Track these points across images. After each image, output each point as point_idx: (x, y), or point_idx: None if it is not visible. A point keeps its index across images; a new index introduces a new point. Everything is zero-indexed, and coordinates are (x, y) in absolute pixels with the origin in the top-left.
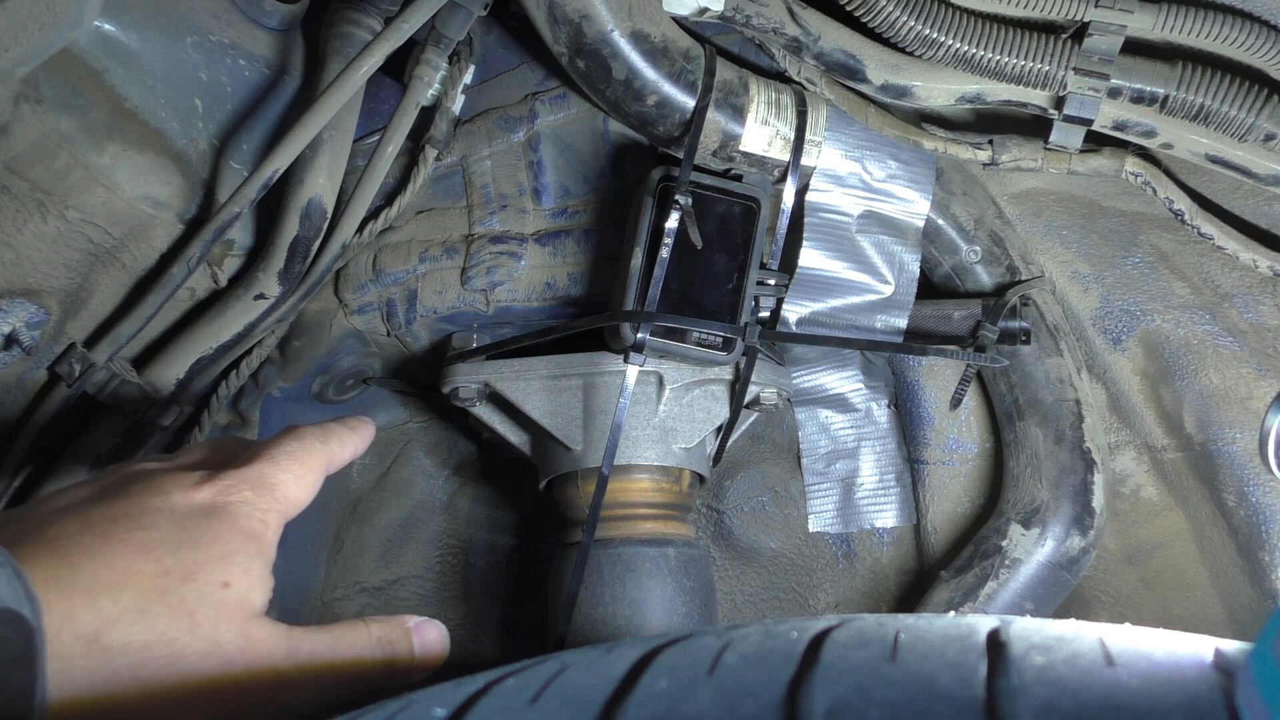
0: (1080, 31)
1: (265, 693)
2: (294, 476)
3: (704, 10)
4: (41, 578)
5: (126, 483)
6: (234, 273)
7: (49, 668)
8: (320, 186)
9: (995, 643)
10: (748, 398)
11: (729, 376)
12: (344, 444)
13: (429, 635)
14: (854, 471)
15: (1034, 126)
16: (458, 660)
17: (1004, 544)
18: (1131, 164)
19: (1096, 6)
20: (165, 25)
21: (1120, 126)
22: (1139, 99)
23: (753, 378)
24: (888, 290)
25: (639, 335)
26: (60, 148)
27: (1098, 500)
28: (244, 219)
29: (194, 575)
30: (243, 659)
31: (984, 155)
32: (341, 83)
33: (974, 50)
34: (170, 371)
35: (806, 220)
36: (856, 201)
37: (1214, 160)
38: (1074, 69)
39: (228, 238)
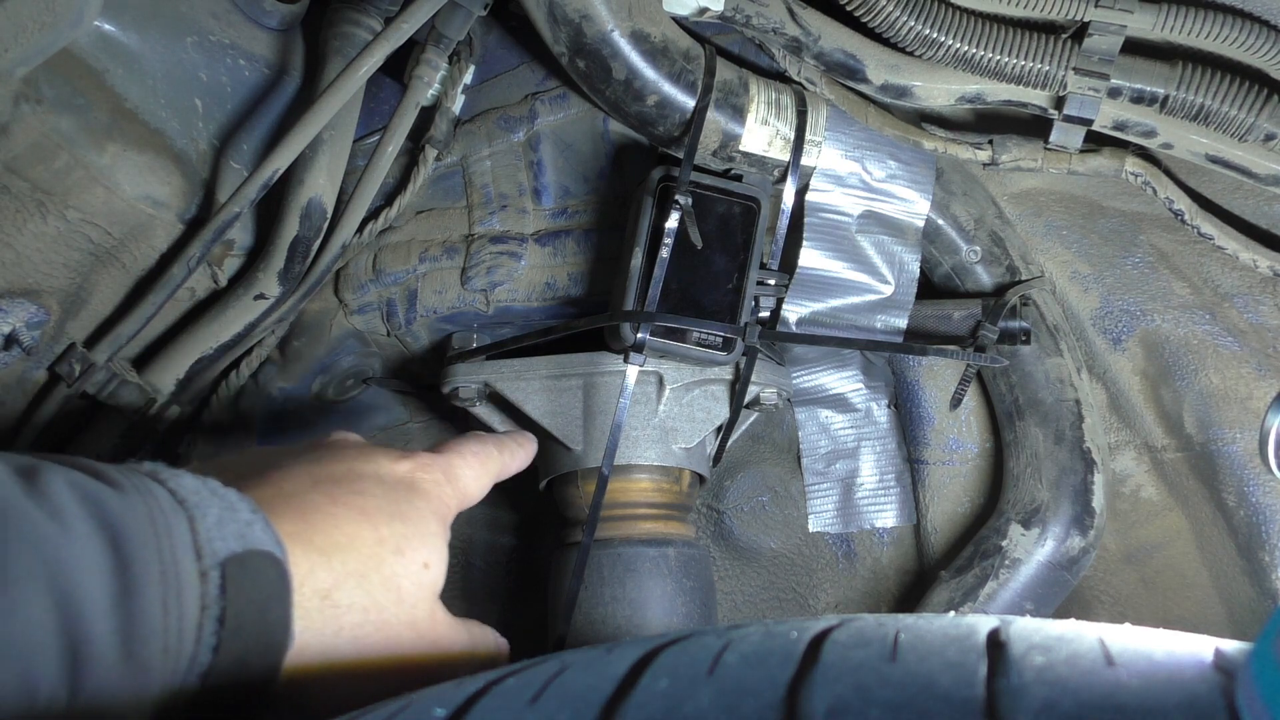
0: (1080, 31)
1: (437, 671)
2: (475, 475)
3: (704, 10)
4: (287, 533)
5: (337, 447)
6: (234, 273)
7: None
8: (320, 186)
9: (995, 643)
10: (748, 398)
11: (729, 376)
12: (514, 456)
13: (505, 648)
14: (854, 471)
15: (1034, 126)
16: None
17: (1004, 544)
18: (1131, 164)
19: (1096, 6)
20: (165, 25)
21: (1120, 126)
22: (1139, 99)
23: (753, 378)
24: (888, 290)
25: (639, 335)
26: (60, 148)
27: (1098, 500)
28: (244, 219)
29: (403, 550)
30: (430, 636)
31: (984, 155)
32: (341, 83)
33: (974, 50)
34: (170, 371)
35: (806, 220)
36: (856, 201)
37: (1214, 160)
38: (1074, 69)
39: (228, 238)
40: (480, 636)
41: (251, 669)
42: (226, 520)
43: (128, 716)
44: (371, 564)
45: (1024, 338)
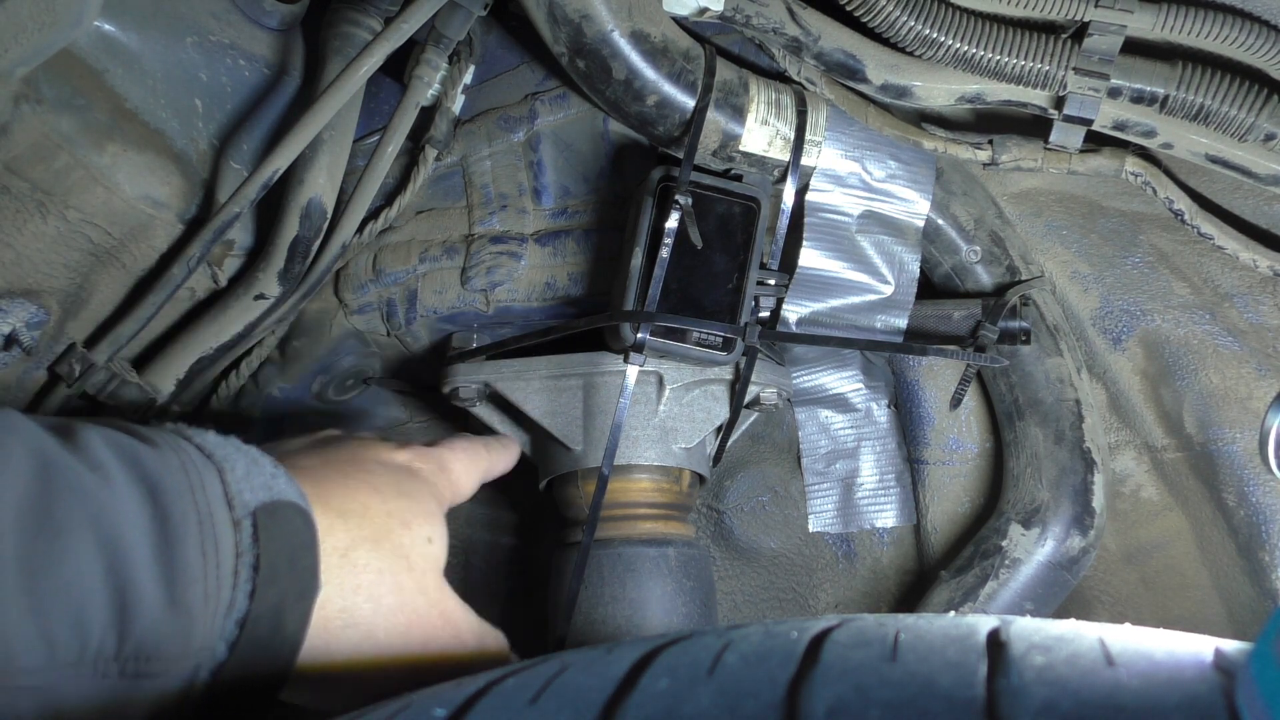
0: (1080, 31)
1: (448, 642)
2: (464, 470)
3: (704, 10)
4: (306, 494)
5: (340, 439)
6: (234, 273)
7: None
8: (320, 186)
9: (995, 643)
10: (748, 398)
11: (729, 376)
12: (499, 459)
13: (507, 648)
14: (854, 471)
15: (1034, 126)
16: None
17: (1004, 544)
18: (1131, 164)
19: (1096, 6)
20: (165, 25)
21: (1120, 126)
22: (1139, 99)
23: (753, 378)
24: (888, 290)
25: (639, 335)
26: (60, 148)
27: (1098, 500)
28: (244, 219)
29: (410, 524)
30: (440, 606)
31: (984, 155)
32: (341, 83)
33: (974, 50)
34: (170, 371)
35: (806, 220)
36: (856, 201)
37: (1214, 160)
38: (1074, 69)
39: (228, 238)
40: (489, 629)
41: (286, 617)
42: (253, 472)
43: (173, 661)
44: (382, 532)
45: (1024, 338)
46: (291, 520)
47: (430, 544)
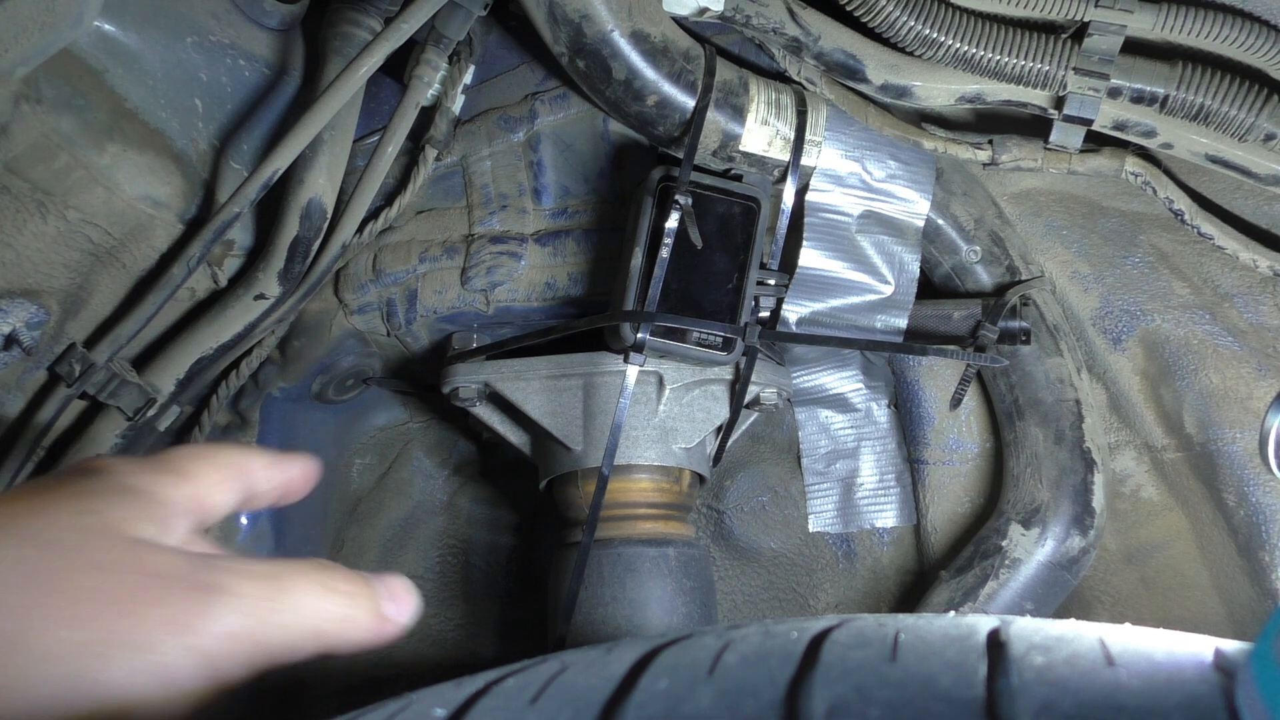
0: (1080, 31)
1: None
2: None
3: (704, 10)
4: None
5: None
6: (234, 273)
7: None
8: (320, 186)
9: (995, 643)
10: (748, 398)
11: (729, 376)
12: (261, 463)
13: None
14: (854, 471)
15: (1034, 126)
16: (458, 660)
17: (1004, 544)
18: (1131, 164)
19: (1096, 6)
20: (165, 25)
21: (1120, 126)
22: (1139, 99)
23: (753, 378)
24: (888, 290)
25: (639, 335)
26: (60, 148)
27: (1098, 500)
28: (244, 219)
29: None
30: (153, 568)
31: (984, 155)
32: (341, 83)
33: (974, 50)
34: (170, 371)
35: (806, 220)
36: (856, 201)
37: (1214, 160)
38: (1074, 69)
39: (228, 238)
40: (332, 570)
41: None
42: None
43: None
44: None
45: (1024, 338)
46: None
47: (81, 515)
